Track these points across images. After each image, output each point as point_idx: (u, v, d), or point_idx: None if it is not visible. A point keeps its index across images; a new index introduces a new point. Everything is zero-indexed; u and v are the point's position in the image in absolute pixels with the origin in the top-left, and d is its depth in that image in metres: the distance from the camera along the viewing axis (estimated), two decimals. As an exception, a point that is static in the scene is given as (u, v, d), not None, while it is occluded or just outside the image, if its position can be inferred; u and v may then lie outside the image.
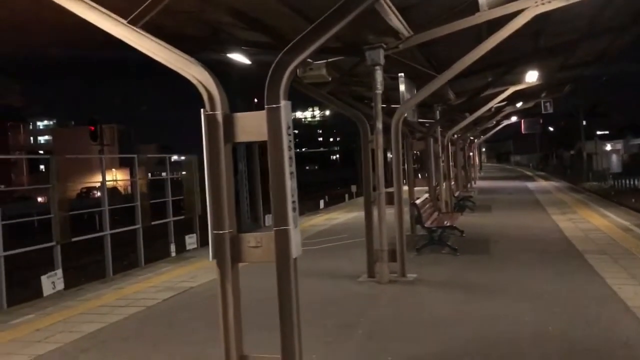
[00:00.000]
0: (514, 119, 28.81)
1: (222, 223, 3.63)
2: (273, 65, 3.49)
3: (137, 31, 3.68)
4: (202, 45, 8.63)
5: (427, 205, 10.18)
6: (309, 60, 9.13)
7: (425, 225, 9.41)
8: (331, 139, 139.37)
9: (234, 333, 3.65)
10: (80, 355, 5.20)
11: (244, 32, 7.83)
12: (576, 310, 5.88)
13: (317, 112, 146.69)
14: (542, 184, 30.13)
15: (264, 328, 4.90)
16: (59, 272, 8.52)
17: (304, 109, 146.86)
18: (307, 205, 28.34)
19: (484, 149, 72.56)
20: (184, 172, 13.95)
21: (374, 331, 5.47)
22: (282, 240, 3.51)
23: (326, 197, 27.57)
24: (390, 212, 7.57)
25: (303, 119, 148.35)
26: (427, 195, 10.94)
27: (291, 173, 3.53)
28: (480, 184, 29.28)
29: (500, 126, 29.51)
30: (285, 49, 3.49)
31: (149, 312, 6.73)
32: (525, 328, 5.36)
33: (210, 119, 3.61)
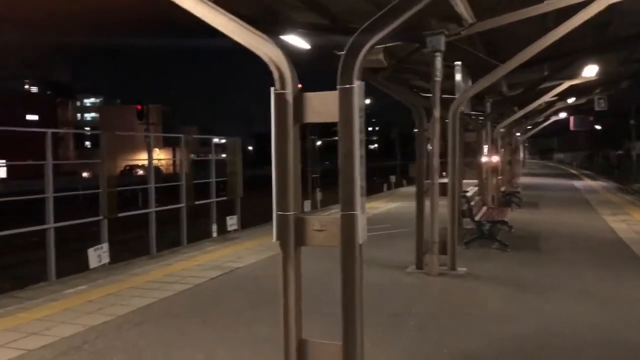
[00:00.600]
0: (562, 115, 27.91)
1: (287, 204, 3.57)
2: (348, 45, 3.39)
3: (210, 6, 3.62)
4: (258, 27, 8.53)
5: (477, 199, 9.95)
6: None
7: (476, 219, 9.19)
8: (370, 129, 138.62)
9: (294, 317, 3.60)
10: (133, 329, 5.26)
11: (300, 13, 7.74)
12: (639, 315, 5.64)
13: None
14: (588, 183, 29.24)
15: (314, 312, 4.87)
16: (105, 245, 8.67)
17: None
18: (345, 193, 28.12)
19: (526, 145, 70.87)
20: (223, 155, 13.95)
21: (426, 323, 5.36)
22: (348, 225, 3.42)
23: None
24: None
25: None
26: (476, 188, 10.69)
27: (361, 156, 3.43)
28: (524, 180, 28.61)
29: (548, 122, 28.68)
30: (361, 28, 3.38)
31: (197, 290, 6.77)
32: (585, 330, 5.16)
33: (280, 98, 3.52)
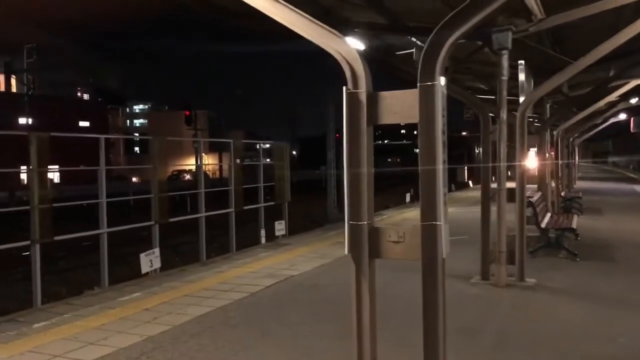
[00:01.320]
0: (622, 116, 26.65)
1: (360, 213, 3.28)
2: (431, 37, 3.09)
3: (279, 2, 3.38)
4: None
5: (541, 205, 9.42)
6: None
7: (542, 227, 8.68)
8: (415, 132, 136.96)
9: (368, 336, 3.30)
10: (190, 340, 5.07)
11: (358, 13, 7.47)
12: None
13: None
14: (651, 187, 27.82)
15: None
16: (157, 250, 8.61)
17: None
18: (392, 198, 27.72)
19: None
20: (268, 160, 13.76)
21: (501, 340, 4.97)
22: (430, 236, 3.11)
23: (411, 190, 26.81)
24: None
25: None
26: (540, 193, 10.15)
27: (444, 161, 3.12)
28: (580, 184, 27.49)
29: (607, 124, 27.42)
30: (444, 20, 3.07)
31: (254, 299, 6.56)
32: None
33: (353, 98, 3.25)
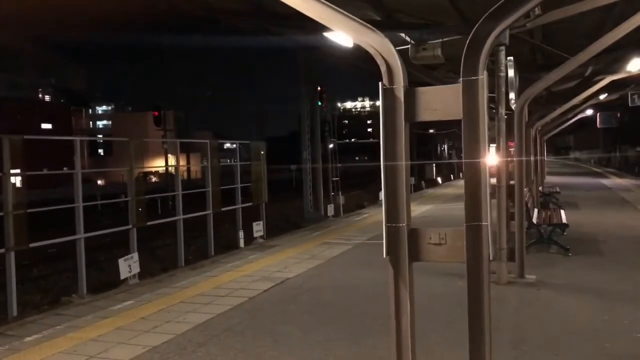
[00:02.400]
0: (589, 112, 27.23)
1: (398, 215, 3.14)
2: (474, 29, 2.96)
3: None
4: (297, 24, 8.17)
5: (530, 202, 9.47)
6: (409, 41, 8.57)
7: (535, 222, 8.71)
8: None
9: (409, 344, 3.16)
10: (199, 350, 4.84)
11: (352, 10, 7.32)
12: None
13: (367, 103, 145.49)
14: (616, 181, 28.58)
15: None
16: (135, 255, 8.37)
17: (354, 99, 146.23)
18: (366, 196, 27.73)
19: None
20: (231, 159, 13.52)
21: (518, 340, 4.90)
22: (475, 238, 2.99)
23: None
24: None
25: (353, 109, 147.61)
26: (527, 189, 10.19)
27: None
28: (550, 179, 28.02)
29: (575, 119, 27.98)
30: (489, 12, 2.94)
31: (254, 304, 6.35)
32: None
33: (389, 94, 3.11)
